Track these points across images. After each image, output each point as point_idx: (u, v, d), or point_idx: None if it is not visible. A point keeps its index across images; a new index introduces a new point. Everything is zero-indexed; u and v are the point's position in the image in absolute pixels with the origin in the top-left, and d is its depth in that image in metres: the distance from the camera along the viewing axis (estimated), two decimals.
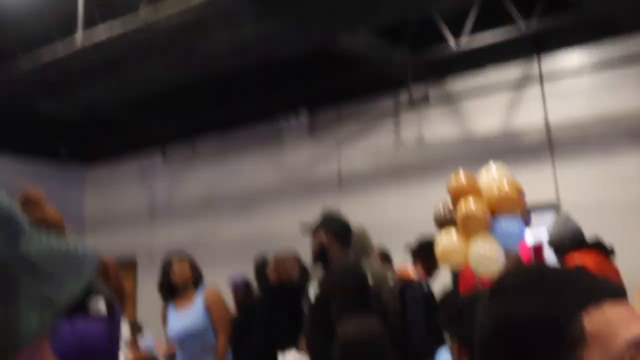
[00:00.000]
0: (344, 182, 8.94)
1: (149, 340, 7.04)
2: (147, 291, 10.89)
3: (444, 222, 4.18)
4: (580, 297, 1.04)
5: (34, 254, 0.66)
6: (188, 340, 5.09)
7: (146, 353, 6.07)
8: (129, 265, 11.02)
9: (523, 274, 1.13)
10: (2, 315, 0.60)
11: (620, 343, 1.01)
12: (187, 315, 5.12)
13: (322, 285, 4.49)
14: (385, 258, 6.78)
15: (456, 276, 5.07)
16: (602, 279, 1.09)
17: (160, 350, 5.50)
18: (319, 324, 4.29)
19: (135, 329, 7.61)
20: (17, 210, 0.69)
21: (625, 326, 1.02)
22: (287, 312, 5.32)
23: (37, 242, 0.68)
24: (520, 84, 7.60)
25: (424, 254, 5.56)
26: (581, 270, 1.12)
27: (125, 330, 5.42)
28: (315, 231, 4.76)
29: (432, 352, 5.30)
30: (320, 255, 4.78)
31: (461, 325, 2.39)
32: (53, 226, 2.99)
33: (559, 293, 1.05)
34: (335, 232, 4.65)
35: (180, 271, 5.20)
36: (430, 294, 5.44)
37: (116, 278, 4.86)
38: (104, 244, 10.89)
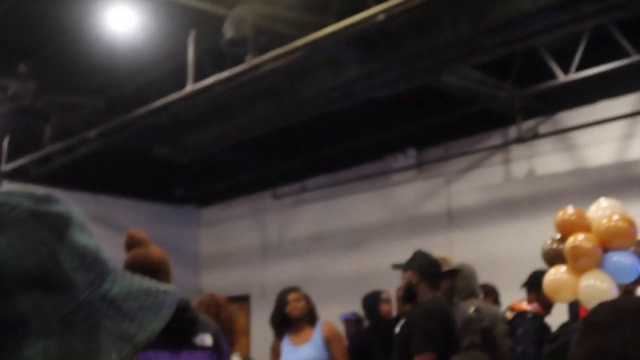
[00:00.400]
0: (453, 218, 8.86)
1: None
2: (260, 327, 11.05)
3: (552, 257, 4.10)
4: None
5: (117, 293, 0.68)
6: None
7: None
8: (242, 302, 11.23)
9: (618, 308, 1.12)
10: (83, 349, 0.62)
11: None
12: (305, 349, 5.20)
13: (406, 321, 4.64)
14: (490, 292, 6.65)
15: (573, 309, 4.92)
16: None
17: None
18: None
19: None
20: (103, 251, 0.72)
21: None
22: (383, 344, 5.38)
23: (120, 282, 0.70)
24: (633, 115, 7.37)
25: (538, 286, 5.44)
26: None
27: None
28: (404, 270, 4.85)
29: None
30: (408, 293, 4.84)
31: None
32: (157, 264, 3.11)
33: None
34: (422, 271, 4.69)
35: (296, 305, 5.28)
36: (545, 328, 5.33)
37: (225, 312, 4.99)
38: (218, 281, 11.16)
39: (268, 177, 10.19)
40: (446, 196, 8.99)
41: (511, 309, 5.86)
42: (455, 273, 5.11)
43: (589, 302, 3.82)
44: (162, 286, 0.73)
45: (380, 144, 8.96)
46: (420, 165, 9.29)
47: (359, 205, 9.91)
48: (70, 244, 0.68)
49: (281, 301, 5.39)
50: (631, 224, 3.81)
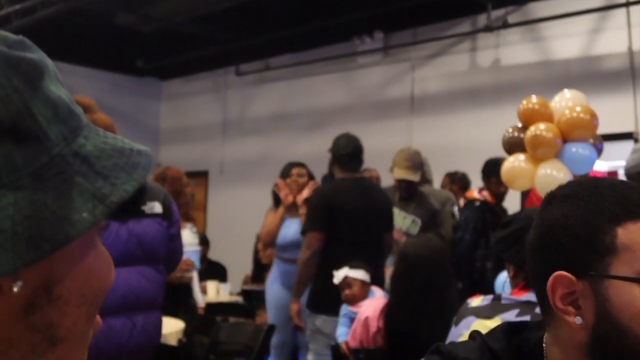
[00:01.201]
0: (416, 104, 8.87)
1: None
2: (217, 203, 11.16)
3: (512, 145, 4.14)
4: (620, 209, 1.08)
5: (90, 150, 0.66)
6: (295, 247, 5.28)
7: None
8: (201, 177, 11.27)
9: (577, 184, 1.16)
10: (55, 205, 0.60)
11: None
12: (298, 222, 5.34)
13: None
14: (457, 180, 6.76)
15: (525, 198, 5.04)
16: None
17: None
18: None
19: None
20: (77, 106, 0.69)
21: None
22: None
23: (94, 138, 0.68)
24: (603, 9, 7.32)
25: (490, 174, 5.55)
26: (637, 186, 1.12)
27: (191, 239, 5.56)
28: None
29: (486, 271, 5.36)
30: (330, 174, 5.31)
31: (513, 248, 2.31)
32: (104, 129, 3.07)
33: (601, 202, 1.09)
34: (336, 153, 4.91)
35: (297, 179, 5.39)
36: (495, 215, 5.45)
37: (175, 184, 5.03)
38: (177, 156, 11.14)
39: (232, 52, 10.02)
40: (410, 82, 8.96)
41: (464, 197, 5.97)
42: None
43: (544, 191, 3.89)
44: (136, 145, 0.71)
45: (347, 26, 8.82)
46: (386, 49, 9.20)
47: (322, 87, 9.85)
48: (44, 93, 0.64)
49: (284, 174, 5.51)
50: (593, 115, 3.85)
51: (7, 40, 0.65)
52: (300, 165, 5.60)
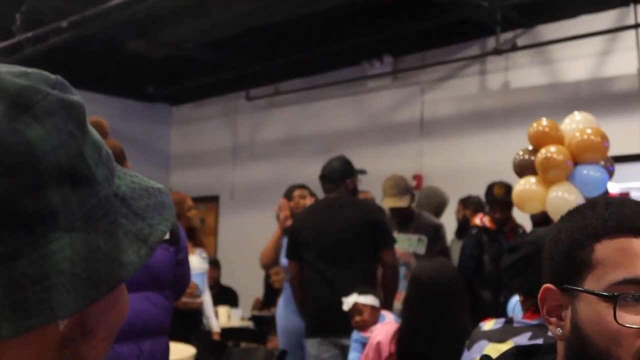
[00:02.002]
0: (425, 128, 8.87)
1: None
2: (227, 227, 11.15)
3: (523, 168, 4.13)
4: (602, 225, 1.11)
5: (125, 190, 0.68)
6: None
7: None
8: (211, 202, 11.27)
9: (588, 201, 1.21)
10: (107, 247, 0.62)
11: (617, 277, 1.07)
12: None
13: None
14: (470, 204, 6.74)
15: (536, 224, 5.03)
16: None
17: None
18: None
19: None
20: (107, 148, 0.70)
21: (631, 264, 1.07)
22: None
23: (124, 178, 0.69)
24: (612, 32, 7.33)
25: (486, 198, 5.57)
26: (626, 203, 1.14)
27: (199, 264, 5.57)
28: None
29: (480, 300, 5.35)
30: None
31: (521, 276, 2.27)
32: (117, 154, 3.08)
33: (589, 218, 1.12)
34: (321, 176, 4.96)
35: (299, 202, 5.41)
36: (493, 241, 5.46)
37: (183, 210, 5.06)
38: (188, 181, 11.17)
39: (242, 77, 10.07)
40: (420, 105, 8.97)
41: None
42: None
43: (556, 214, 3.88)
44: (154, 183, 0.72)
45: (356, 50, 8.86)
46: (395, 73, 9.22)
47: (332, 111, 9.87)
48: (90, 137, 0.66)
49: (287, 196, 5.56)
50: (603, 137, 3.85)
51: (49, 81, 0.66)
52: (302, 187, 5.66)
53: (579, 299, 1.10)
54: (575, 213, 1.16)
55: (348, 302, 4.19)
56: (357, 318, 4.16)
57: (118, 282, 0.62)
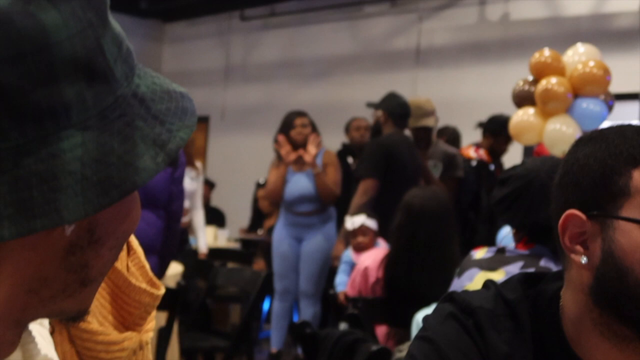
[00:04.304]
0: (422, 57, 8.76)
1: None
2: (217, 148, 11.11)
3: (522, 99, 4.07)
4: (638, 153, 1.06)
5: (144, 90, 0.63)
6: (304, 201, 5.37)
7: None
8: (202, 123, 11.19)
9: (607, 128, 1.15)
10: (121, 150, 0.57)
11: None
12: (306, 176, 5.35)
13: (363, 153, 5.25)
14: (443, 134, 6.69)
15: (528, 155, 5.02)
16: None
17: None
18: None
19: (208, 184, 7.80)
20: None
21: None
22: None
23: (145, 77, 0.64)
24: None
25: (493, 131, 5.51)
26: None
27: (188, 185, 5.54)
28: (376, 108, 5.36)
29: (477, 233, 5.38)
30: (376, 130, 5.44)
31: (511, 210, 2.23)
32: None
33: (622, 144, 1.07)
34: (390, 111, 5.10)
35: (302, 131, 5.32)
36: (489, 174, 5.47)
37: None
38: None
39: None
40: (417, 33, 8.84)
41: (460, 152, 5.92)
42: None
43: (552, 146, 3.84)
44: (178, 87, 0.67)
45: None
46: None
47: (328, 35, 9.72)
48: (111, 29, 0.61)
49: (287, 124, 5.42)
50: (606, 71, 3.79)
51: None
52: (303, 114, 5.53)
53: (614, 228, 1.05)
54: (598, 138, 1.10)
55: (354, 221, 4.27)
56: (360, 239, 4.26)
57: (131, 189, 0.57)
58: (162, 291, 0.91)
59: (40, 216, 0.53)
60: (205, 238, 6.26)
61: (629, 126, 1.11)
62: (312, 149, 5.28)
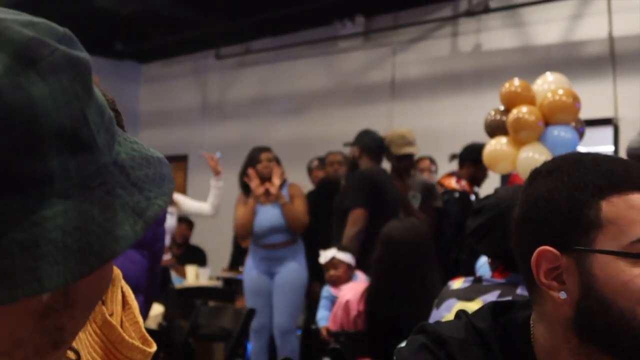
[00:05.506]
0: (397, 89, 8.85)
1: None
2: (196, 187, 11.07)
3: (494, 128, 4.13)
4: (604, 182, 1.06)
5: (124, 158, 0.63)
6: (273, 232, 5.44)
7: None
8: (180, 162, 11.18)
9: (561, 159, 1.15)
10: (101, 218, 0.58)
11: (635, 234, 1.03)
12: (273, 208, 5.45)
13: (343, 186, 5.38)
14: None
15: (505, 183, 5.07)
16: None
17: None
18: (340, 218, 5.05)
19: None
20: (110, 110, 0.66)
21: None
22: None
23: (124, 144, 0.65)
24: None
25: (475, 158, 5.55)
26: (621, 160, 1.11)
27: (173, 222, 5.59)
28: (351, 145, 5.48)
29: (460, 262, 5.39)
30: (352, 165, 5.50)
31: (486, 240, 2.26)
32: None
33: (585, 176, 1.07)
34: (364, 146, 5.29)
35: (267, 165, 5.44)
36: (469, 204, 5.48)
37: None
38: (157, 140, 11.05)
39: (212, 35, 9.93)
40: (391, 66, 8.93)
41: (440, 183, 5.94)
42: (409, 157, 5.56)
43: (526, 174, 3.88)
44: (153, 152, 0.69)
45: (328, 9, 8.77)
46: (367, 33, 9.16)
47: (303, 71, 9.79)
48: (95, 99, 0.62)
49: (253, 159, 5.54)
50: (575, 99, 3.85)
51: (56, 34, 0.61)
52: (267, 149, 5.71)
53: (591, 261, 1.05)
54: (557, 171, 1.11)
55: (326, 255, 4.27)
56: (332, 272, 4.25)
57: (110, 257, 0.58)
58: (154, 349, 0.91)
59: (21, 285, 0.53)
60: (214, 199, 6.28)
61: (584, 155, 1.13)
62: (276, 180, 5.46)
